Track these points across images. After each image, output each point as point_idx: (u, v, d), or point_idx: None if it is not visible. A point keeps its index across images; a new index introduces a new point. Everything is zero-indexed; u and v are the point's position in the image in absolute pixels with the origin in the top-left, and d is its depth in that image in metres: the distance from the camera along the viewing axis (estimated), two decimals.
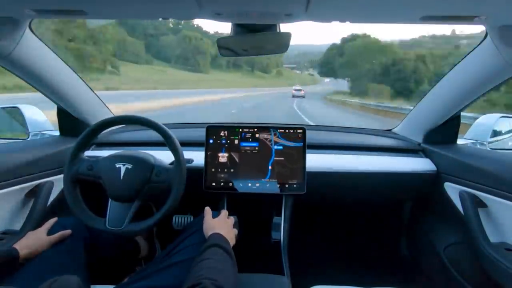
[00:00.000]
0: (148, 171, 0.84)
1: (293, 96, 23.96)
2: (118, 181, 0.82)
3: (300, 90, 25.43)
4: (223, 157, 1.04)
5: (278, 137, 1.05)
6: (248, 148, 1.05)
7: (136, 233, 0.83)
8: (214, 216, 0.83)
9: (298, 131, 1.05)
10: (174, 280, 0.69)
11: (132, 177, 0.83)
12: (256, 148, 1.05)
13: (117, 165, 0.83)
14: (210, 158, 1.04)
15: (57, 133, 1.22)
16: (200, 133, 1.07)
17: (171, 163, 0.91)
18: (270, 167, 1.04)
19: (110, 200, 0.85)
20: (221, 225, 0.78)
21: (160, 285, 0.70)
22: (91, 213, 0.84)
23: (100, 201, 0.87)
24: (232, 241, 0.76)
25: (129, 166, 0.83)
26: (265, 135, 1.05)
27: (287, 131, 1.05)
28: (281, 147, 1.04)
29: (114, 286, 0.74)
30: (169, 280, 0.70)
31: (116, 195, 0.83)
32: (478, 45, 0.85)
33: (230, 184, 1.03)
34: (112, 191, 0.83)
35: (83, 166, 0.85)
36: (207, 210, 0.84)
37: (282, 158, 1.04)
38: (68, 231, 0.79)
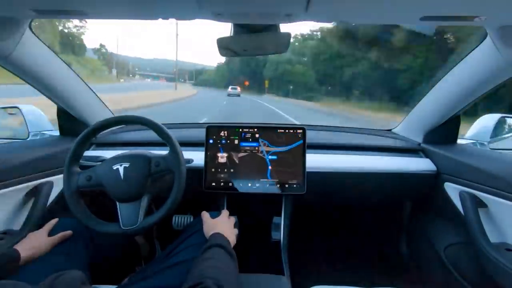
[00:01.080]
0: (146, 164, 0.83)
1: (229, 94, 24.13)
2: (120, 182, 0.82)
3: (236, 88, 26.27)
4: (223, 157, 1.04)
5: (267, 145, 1.05)
6: (248, 148, 1.05)
7: (152, 225, 0.82)
8: (214, 216, 0.83)
9: (298, 131, 1.05)
10: (174, 281, 0.68)
11: (133, 174, 0.82)
12: (256, 148, 1.05)
13: (115, 167, 0.83)
14: (210, 158, 1.04)
15: (57, 133, 1.22)
16: (200, 133, 1.07)
17: None
18: (270, 167, 1.04)
19: (118, 203, 0.83)
20: (222, 225, 0.78)
21: (160, 286, 0.70)
22: (102, 221, 0.83)
23: (108, 205, 0.86)
24: (233, 241, 0.75)
25: (127, 165, 0.82)
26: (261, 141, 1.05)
27: (286, 131, 1.05)
28: (275, 157, 1.04)
29: (114, 286, 0.74)
30: (169, 281, 0.70)
31: (122, 196, 0.82)
32: (478, 45, 0.85)
33: (230, 184, 1.03)
34: (116, 193, 0.82)
35: (81, 178, 0.83)
36: (204, 213, 0.84)
37: (280, 167, 1.04)
38: (69, 232, 0.79)
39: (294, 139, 1.04)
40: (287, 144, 1.04)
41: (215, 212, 0.86)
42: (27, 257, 0.70)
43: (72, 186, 0.82)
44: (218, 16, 0.65)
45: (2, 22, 0.73)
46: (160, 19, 0.68)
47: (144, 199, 0.83)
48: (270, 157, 1.04)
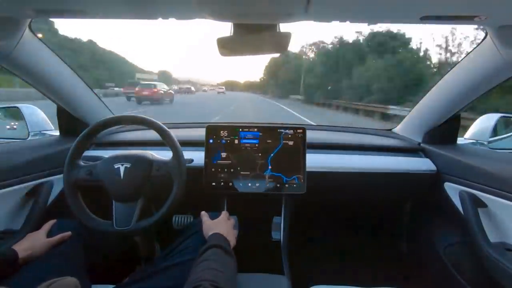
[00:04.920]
0: (147, 167, 0.84)
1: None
2: (119, 182, 0.82)
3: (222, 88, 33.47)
4: (223, 157, 1.04)
5: (267, 145, 1.04)
6: (248, 145, 1.05)
7: (145, 229, 0.82)
8: (213, 217, 0.83)
9: (298, 131, 1.05)
10: (173, 282, 0.68)
11: (133, 175, 0.82)
12: (256, 145, 1.05)
13: (116, 166, 0.83)
14: (210, 158, 1.04)
15: (57, 133, 1.22)
16: (200, 133, 1.07)
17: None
18: (270, 167, 1.04)
19: (114, 201, 0.84)
20: (221, 225, 0.78)
21: (159, 287, 0.70)
22: (96, 217, 0.83)
23: (104, 203, 0.87)
24: (232, 242, 0.75)
25: (128, 165, 0.83)
26: (266, 135, 1.05)
27: (286, 130, 1.05)
28: (275, 157, 1.04)
29: (112, 287, 0.74)
30: (168, 281, 0.70)
31: (119, 195, 0.83)
32: (478, 45, 0.85)
33: (230, 184, 1.03)
34: (114, 192, 0.83)
35: (82, 172, 0.84)
36: (203, 214, 0.84)
37: (281, 167, 1.03)
38: (68, 233, 0.79)
39: (294, 139, 1.04)
40: (287, 144, 1.04)
41: (215, 212, 0.86)
42: (25, 258, 0.70)
43: (72, 177, 0.83)
44: (218, 16, 0.65)
45: (2, 22, 0.73)
46: (160, 19, 0.68)
47: (139, 202, 0.83)
48: (270, 157, 1.04)
